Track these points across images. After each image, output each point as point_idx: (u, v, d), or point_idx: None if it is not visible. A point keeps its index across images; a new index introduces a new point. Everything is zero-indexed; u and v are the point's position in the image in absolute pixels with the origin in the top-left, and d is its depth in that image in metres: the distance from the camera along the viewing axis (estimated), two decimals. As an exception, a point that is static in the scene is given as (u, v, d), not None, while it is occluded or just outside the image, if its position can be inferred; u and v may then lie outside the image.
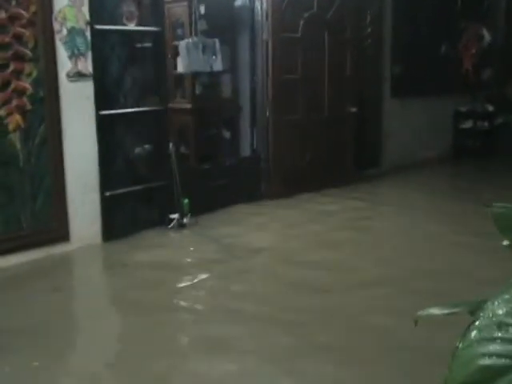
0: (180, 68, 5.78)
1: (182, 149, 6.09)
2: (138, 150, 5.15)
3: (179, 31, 5.90)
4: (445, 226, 5.19)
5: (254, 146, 6.20)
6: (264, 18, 5.87)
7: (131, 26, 4.95)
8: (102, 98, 4.63)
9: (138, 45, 5.14)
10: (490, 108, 8.62)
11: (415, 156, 7.79)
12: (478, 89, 8.54)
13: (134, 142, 5.10)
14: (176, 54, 5.73)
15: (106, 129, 4.68)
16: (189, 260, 4.62)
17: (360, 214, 5.70)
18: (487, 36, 8.20)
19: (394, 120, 7.49)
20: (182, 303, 3.78)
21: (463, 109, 8.57)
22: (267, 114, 6.02)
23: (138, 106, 5.05)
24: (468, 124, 8.56)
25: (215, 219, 5.42)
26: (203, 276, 4.16)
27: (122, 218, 4.90)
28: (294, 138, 6.20)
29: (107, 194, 4.74)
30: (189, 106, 5.79)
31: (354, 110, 6.68)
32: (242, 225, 5.32)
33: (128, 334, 3.39)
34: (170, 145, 5.14)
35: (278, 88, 6.01)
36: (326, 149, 6.52)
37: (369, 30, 6.99)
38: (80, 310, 3.84)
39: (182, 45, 5.43)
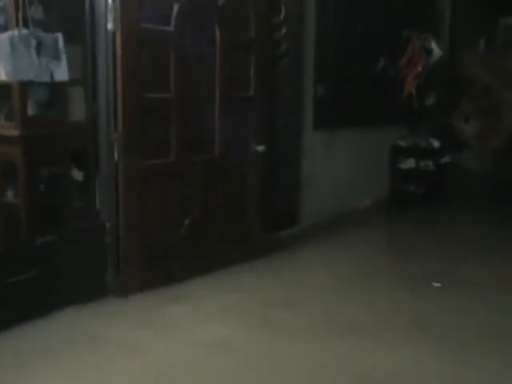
0: (2, 74, 4.08)
1: (10, 195, 4.37)
2: None
3: (0, 19, 4.23)
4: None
5: (97, 207, 3.84)
6: (110, -2, 3.54)
7: None
8: None
9: None
10: (436, 143, 6.97)
11: (343, 207, 5.94)
12: (422, 118, 6.79)
13: None
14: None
15: None
16: None
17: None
18: (437, 50, 6.34)
19: (316, 160, 5.56)
20: None
21: (403, 144, 6.82)
22: (115, 156, 3.68)
23: None
24: (409, 163, 6.85)
25: (14, 346, 3.07)
26: None
27: None
28: (164, 193, 3.95)
29: None
30: (16, 132, 3.96)
31: (261, 148, 4.51)
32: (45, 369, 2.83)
33: None
34: None
35: (135, 114, 3.68)
36: (218, 208, 4.31)
37: (283, 30, 4.86)
38: None
39: (4, 39, 3.85)
